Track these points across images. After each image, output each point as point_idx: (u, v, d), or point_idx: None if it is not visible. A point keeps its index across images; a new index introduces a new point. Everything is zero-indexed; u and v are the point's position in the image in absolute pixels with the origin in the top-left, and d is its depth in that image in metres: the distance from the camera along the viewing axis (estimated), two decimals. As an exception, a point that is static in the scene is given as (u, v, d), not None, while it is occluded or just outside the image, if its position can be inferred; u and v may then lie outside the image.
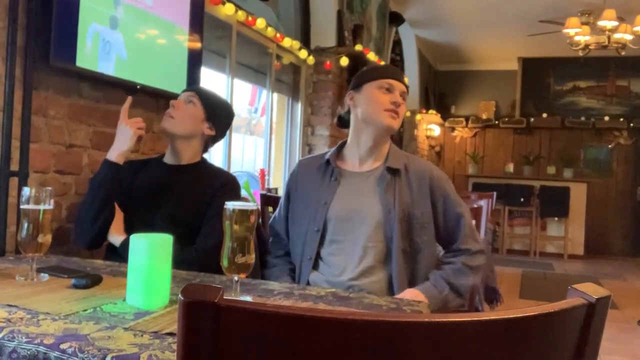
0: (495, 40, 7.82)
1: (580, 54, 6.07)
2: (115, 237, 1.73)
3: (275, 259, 1.82)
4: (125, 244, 1.63)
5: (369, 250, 1.67)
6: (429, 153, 8.57)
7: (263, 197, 2.63)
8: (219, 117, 1.93)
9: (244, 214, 1.20)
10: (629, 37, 5.62)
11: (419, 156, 7.70)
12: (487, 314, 0.58)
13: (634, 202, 8.32)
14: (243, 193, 2.67)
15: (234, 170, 3.83)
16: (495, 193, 5.17)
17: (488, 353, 0.58)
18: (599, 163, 8.48)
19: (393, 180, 1.71)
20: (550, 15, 5.92)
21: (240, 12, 3.42)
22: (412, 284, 1.67)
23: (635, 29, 5.48)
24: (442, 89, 9.27)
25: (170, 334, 0.97)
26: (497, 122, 8.83)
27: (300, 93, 4.65)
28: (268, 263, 1.82)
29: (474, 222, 2.45)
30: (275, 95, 4.37)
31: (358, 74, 1.82)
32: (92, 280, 1.30)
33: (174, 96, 2.12)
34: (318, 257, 1.72)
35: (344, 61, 4.51)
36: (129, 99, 1.81)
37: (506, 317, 0.57)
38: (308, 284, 1.68)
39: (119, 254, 1.67)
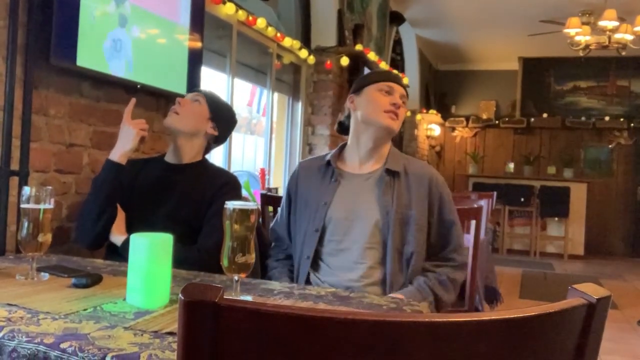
0: (495, 40, 7.82)
1: (581, 54, 6.06)
2: (117, 236, 1.73)
3: (275, 262, 1.83)
4: (127, 243, 1.63)
5: (368, 251, 1.68)
6: (429, 153, 8.57)
7: (263, 196, 2.63)
8: (223, 118, 1.94)
9: (244, 213, 1.20)
10: (629, 37, 5.62)
11: (419, 156, 7.73)
12: (487, 314, 0.58)
13: (634, 203, 8.31)
14: (243, 193, 2.67)
15: (234, 169, 3.83)
16: (495, 193, 5.19)
17: (488, 353, 0.58)
18: (599, 163, 8.47)
19: (392, 182, 1.73)
20: (550, 15, 5.92)
21: (240, 12, 3.42)
22: (404, 286, 1.67)
23: (636, 29, 5.48)
24: (443, 88, 9.27)
25: (171, 334, 0.97)
26: (497, 122, 8.82)
27: (301, 93, 4.65)
28: (268, 267, 1.83)
29: (474, 222, 2.46)
30: (276, 94, 4.37)
31: (359, 78, 1.86)
32: (92, 280, 1.30)
33: (175, 96, 2.12)
34: (317, 257, 1.73)
35: (345, 61, 4.51)
36: (133, 101, 1.82)
37: (506, 317, 0.57)
38: (307, 283, 1.69)
39: (120, 253, 1.68)
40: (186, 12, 2.59)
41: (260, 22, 3.66)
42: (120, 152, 1.74)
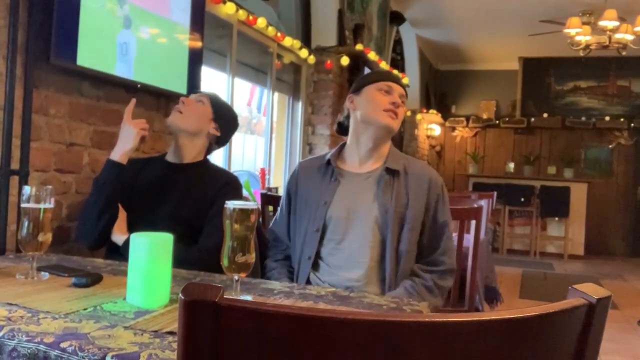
0: (496, 40, 7.81)
1: (581, 54, 6.06)
2: (118, 236, 1.73)
3: (274, 263, 1.83)
4: (128, 242, 1.63)
5: (367, 250, 1.68)
6: (429, 153, 8.57)
7: (263, 196, 2.63)
8: (225, 119, 1.95)
9: (244, 213, 1.20)
10: (629, 37, 5.62)
11: (420, 156, 7.73)
12: (487, 314, 0.58)
13: (634, 203, 8.31)
14: (244, 192, 2.67)
15: (234, 169, 3.83)
16: (495, 193, 5.19)
17: (488, 353, 0.58)
18: (600, 163, 8.47)
19: (391, 181, 1.73)
20: (551, 15, 5.92)
21: (241, 11, 3.42)
22: (397, 286, 1.67)
23: (636, 29, 5.48)
24: (443, 88, 9.27)
25: (171, 333, 0.97)
26: (497, 121, 8.82)
27: (301, 92, 4.65)
28: (266, 267, 1.83)
29: (474, 222, 2.46)
30: (276, 94, 4.37)
31: (358, 79, 1.86)
32: (92, 279, 1.31)
33: (175, 95, 2.12)
34: (317, 256, 1.73)
35: (345, 60, 4.51)
36: (133, 101, 1.82)
37: (506, 317, 0.57)
38: (308, 283, 1.69)
39: (120, 252, 1.68)
40: (186, 11, 2.59)
41: (261, 22, 3.66)
42: (121, 152, 1.74)
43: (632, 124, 8.24)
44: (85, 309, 1.09)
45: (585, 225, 7.66)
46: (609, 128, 8.37)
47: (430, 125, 8.51)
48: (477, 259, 2.46)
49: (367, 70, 4.55)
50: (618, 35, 5.66)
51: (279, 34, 3.94)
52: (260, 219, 2.37)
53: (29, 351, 0.89)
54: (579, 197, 7.61)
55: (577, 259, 7.56)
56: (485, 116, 8.91)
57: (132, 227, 1.71)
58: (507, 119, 8.78)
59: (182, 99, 1.90)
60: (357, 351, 0.54)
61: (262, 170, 3.97)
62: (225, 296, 0.54)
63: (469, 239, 2.47)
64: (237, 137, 4.65)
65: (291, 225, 1.83)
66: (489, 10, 6.47)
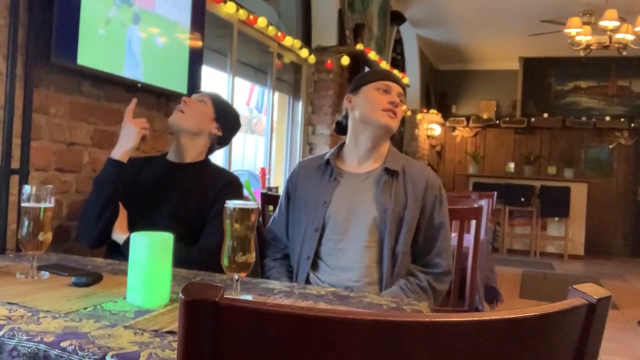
0: (496, 39, 7.81)
1: (582, 54, 6.06)
2: (119, 234, 1.73)
3: (272, 262, 1.83)
4: (128, 242, 1.63)
5: (366, 250, 1.68)
6: (429, 153, 8.56)
7: (264, 196, 2.63)
8: (227, 119, 1.95)
9: (245, 212, 1.20)
10: (630, 37, 5.62)
11: (420, 156, 7.73)
12: (487, 314, 0.57)
13: (634, 203, 8.31)
14: (244, 192, 2.67)
15: (234, 168, 3.83)
16: (495, 193, 5.19)
17: (488, 353, 0.58)
18: (600, 163, 8.47)
19: (390, 181, 1.72)
20: (551, 15, 5.92)
21: (241, 11, 3.42)
22: (391, 285, 1.67)
23: (637, 29, 5.48)
24: (443, 88, 9.27)
25: (171, 333, 0.97)
26: (497, 121, 8.82)
27: (301, 92, 4.65)
28: (265, 266, 1.82)
29: (474, 222, 2.46)
30: (277, 94, 4.37)
31: (356, 78, 1.85)
32: (92, 279, 1.31)
33: (176, 94, 2.12)
34: (316, 256, 1.72)
35: (345, 60, 4.51)
36: (134, 100, 1.82)
37: (506, 317, 0.57)
38: (307, 283, 1.68)
39: (121, 252, 1.68)
40: (187, 11, 2.59)
41: (261, 21, 3.66)
42: (121, 151, 1.74)
43: (633, 124, 8.24)
44: (85, 309, 1.09)
45: (585, 225, 7.66)
46: (609, 128, 8.37)
47: (431, 125, 8.51)
48: (477, 258, 2.46)
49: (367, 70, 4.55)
50: (618, 36, 5.65)
51: (279, 34, 3.94)
52: (261, 219, 2.37)
53: (29, 350, 0.89)
54: (579, 197, 7.61)
55: (577, 259, 7.56)
56: (485, 116, 8.91)
57: (132, 226, 1.71)
58: (507, 119, 8.78)
59: (184, 99, 1.90)
60: (357, 351, 0.54)
61: (263, 170, 3.97)
62: (225, 296, 0.54)
63: (469, 239, 2.47)
64: (237, 137, 4.64)
65: (290, 224, 1.82)
66: (490, 10, 6.46)
